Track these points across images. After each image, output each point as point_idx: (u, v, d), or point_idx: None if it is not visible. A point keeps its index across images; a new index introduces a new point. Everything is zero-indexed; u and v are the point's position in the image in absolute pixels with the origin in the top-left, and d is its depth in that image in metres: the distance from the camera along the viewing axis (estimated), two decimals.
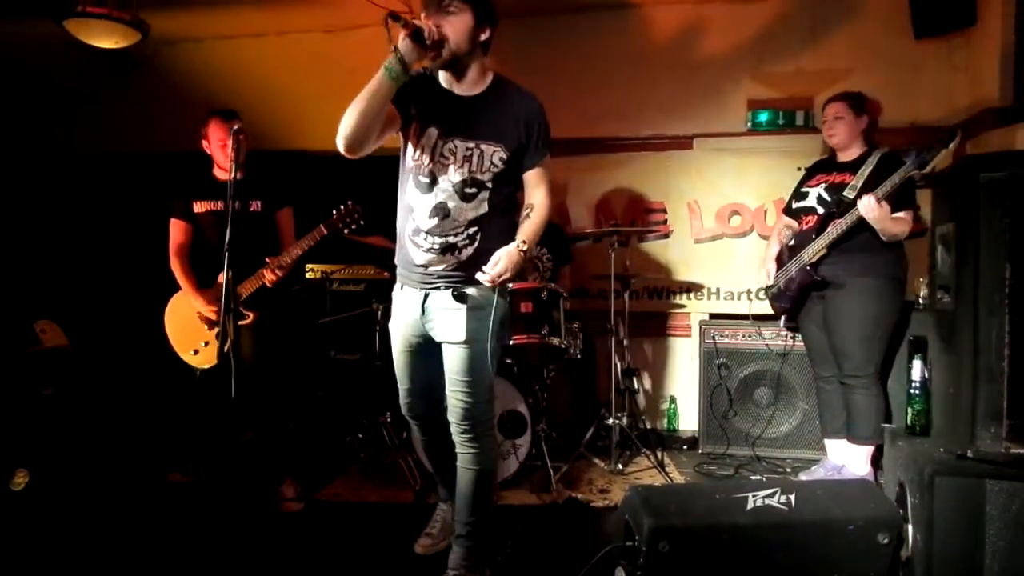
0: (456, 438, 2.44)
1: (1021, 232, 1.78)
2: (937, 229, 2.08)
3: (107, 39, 3.80)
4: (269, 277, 3.21)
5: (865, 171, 3.32)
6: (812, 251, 3.33)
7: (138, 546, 2.90)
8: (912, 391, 2.23)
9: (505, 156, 2.33)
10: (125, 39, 3.83)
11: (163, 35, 4.89)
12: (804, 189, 3.55)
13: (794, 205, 3.59)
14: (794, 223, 3.67)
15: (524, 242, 2.30)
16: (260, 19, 4.82)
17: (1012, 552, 1.79)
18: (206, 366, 3.40)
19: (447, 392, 2.43)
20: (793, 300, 3.45)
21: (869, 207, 3.04)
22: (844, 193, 3.31)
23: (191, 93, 5.10)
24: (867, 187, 3.25)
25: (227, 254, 2.59)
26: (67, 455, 3.82)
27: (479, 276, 2.27)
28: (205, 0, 4.47)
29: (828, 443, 3.59)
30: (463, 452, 2.44)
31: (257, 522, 3.15)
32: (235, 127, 2.85)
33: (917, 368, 2.23)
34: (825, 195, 3.42)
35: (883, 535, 1.97)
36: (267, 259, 3.22)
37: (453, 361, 2.38)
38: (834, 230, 3.24)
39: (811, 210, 3.46)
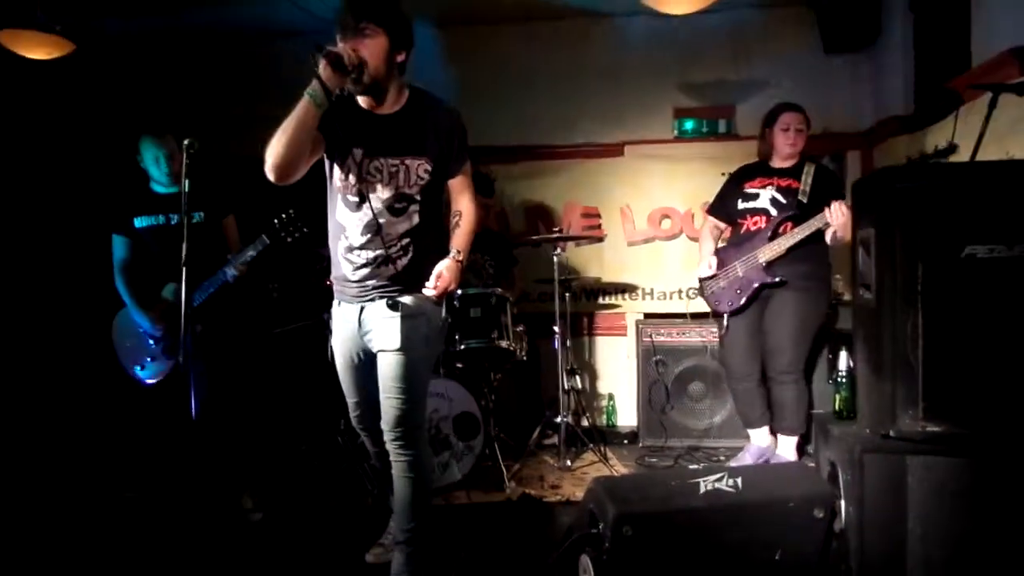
0: (389, 446, 2.48)
1: (932, 236, 2.01)
2: (858, 233, 2.31)
3: (40, 51, 3.72)
4: (232, 273, 3.22)
5: (807, 179, 3.51)
6: (770, 252, 3.45)
7: (96, 558, 2.91)
8: (839, 379, 2.47)
9: (429, 168, 2.42)
10: (58, 50, 3.77)
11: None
12: (750, 190, 3.63)
13: (740, 205, 3.64)
14: (721, 224, 3.85)
15: (459, 251, 2.44)
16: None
17: (930, 517, 2.02)
18: (152, 381, 3.39)
19: (381, 399, 2.47)
20: (747, 299, 3.54)
21: (841, 213, 3.19)
22: (799, 198, 3.48)
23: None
24: (814, 194, 3.47)
25: (184, 269, 2.59)
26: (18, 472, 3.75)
27: (425, 291, 2.37)
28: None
29: (752, 432, 3.79)
30: (397, 460, 2.48)
31: (216, 532, 3.16)
32: (186, 142, 2.81)
33: (843, 359, 2.47)
34: (780, 198, 3.54)
35: (819, 510, 2.18)
36: (228, 256, 3.24)
37: (388, 368, 2.43)
38: (800, 233, 3.39)
39: (762, 211, 3.56)
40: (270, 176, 2.30)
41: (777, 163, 3.65)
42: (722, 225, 3.85)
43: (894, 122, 4.29)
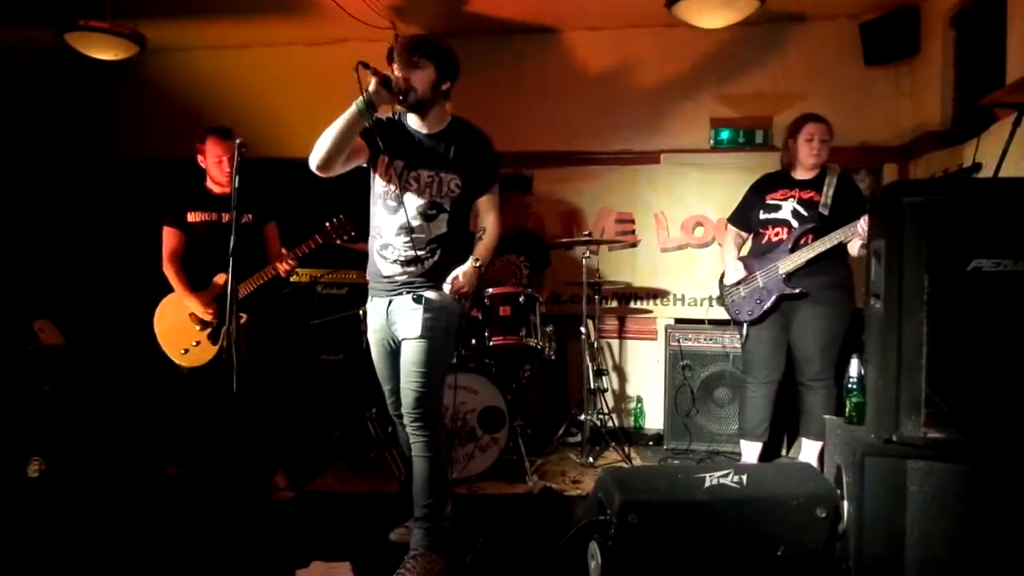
0: (409, 428, 2.70)
1: (937, 247, 2.08)
2: (871, 244, 2.37)
3: (107, 52, 3.98)
4: (283, 268, 3.43)
5: (828, 191, 3.53)
6: (791, 263, 3.49)
7: (138, 531, 3.10)
8: (850, 386, 2.53)
9: (460, 183, 2.71)
10: (125, 52, 4.02)
11: (151, 44, 5.06)
12: (772, 201, 3.64)
13: (762, 216, 3.66)
14: (743, 233, 3.85)
15: (477, 259, 2.72)
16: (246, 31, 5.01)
17: (927, 520, 2.08)
18: (195, 365, 3.59)
19: (401, 384, 2.69)
20: (766, 309, 3.58)
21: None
22: (820, 211, 3.51)
23: (179, 100, 5.27)
24: (836, 206, 3.49)
25: (231, 259, 2.78)
26: (67, 448, 3.98)
27: (444, 287, 2.64)
28: (193, 11, 4.63)
29: (746, 445, 3.78)
30: (416, 441, 2.69)
31: (250, 509, 3.35)
32: (238, 141, 3.00)
33: (854, 366, 2.53)
34: (801, 210, 3.56)
35: (821, 510, 2.27)
36: (283, 250, 3.47)
37: (410, 354, 2.67)
38: (820, 246, 3.43)
39: (784, 223, 3.59)
40: (312, 166, 2.56)
41: (800, 174, 3.65)
42: (744, 234, 3.85)
43: (931, 137, 4.29)
